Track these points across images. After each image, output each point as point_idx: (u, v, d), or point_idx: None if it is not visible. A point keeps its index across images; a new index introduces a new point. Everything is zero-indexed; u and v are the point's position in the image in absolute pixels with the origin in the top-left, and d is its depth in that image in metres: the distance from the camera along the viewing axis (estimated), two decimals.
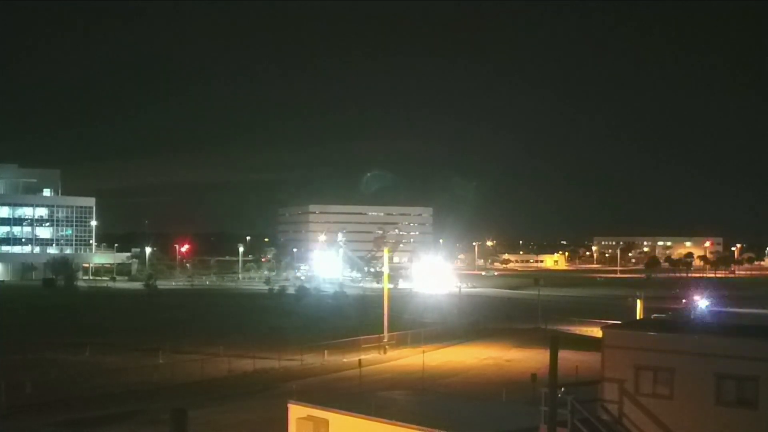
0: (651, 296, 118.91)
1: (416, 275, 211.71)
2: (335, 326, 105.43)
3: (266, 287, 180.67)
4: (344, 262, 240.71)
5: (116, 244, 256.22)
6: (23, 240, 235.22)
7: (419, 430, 31.89)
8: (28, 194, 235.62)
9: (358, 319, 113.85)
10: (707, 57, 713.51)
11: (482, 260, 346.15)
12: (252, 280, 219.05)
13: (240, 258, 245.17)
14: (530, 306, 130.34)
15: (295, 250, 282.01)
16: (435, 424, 32.11)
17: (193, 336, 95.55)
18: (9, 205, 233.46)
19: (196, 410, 47.38)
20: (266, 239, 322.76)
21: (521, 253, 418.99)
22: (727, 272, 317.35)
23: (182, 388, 64.43)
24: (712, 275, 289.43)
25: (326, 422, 34.76)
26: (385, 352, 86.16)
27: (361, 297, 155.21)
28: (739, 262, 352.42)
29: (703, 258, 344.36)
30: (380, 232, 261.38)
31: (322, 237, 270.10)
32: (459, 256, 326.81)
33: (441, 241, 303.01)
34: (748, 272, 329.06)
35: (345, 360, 78.71)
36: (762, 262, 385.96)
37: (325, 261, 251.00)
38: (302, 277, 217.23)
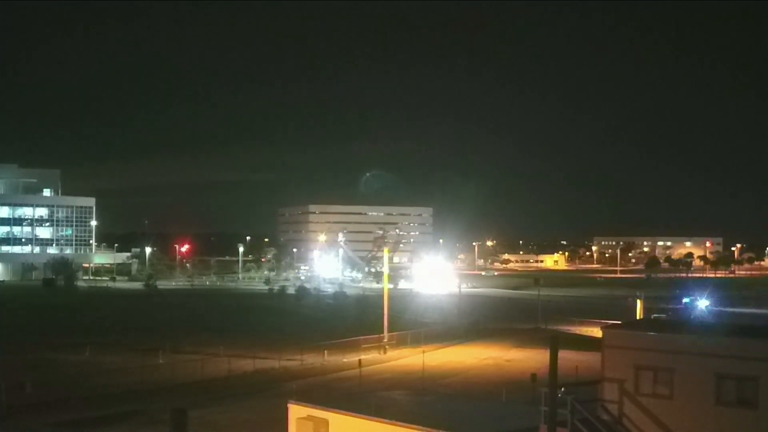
0: (651, 296, 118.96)
1: (416, 275, 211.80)
2: (335, 326, 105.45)
3: (266, 287, 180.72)
4: (344, 262, 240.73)
5: (116, 244, 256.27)
6: (23, 240, 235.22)
7: (419, 430, 31.90)
8: (28, 194, 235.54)
9: (358, 319, 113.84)
10: (707, 57, 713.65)
11: (482, 260, 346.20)
12: (252, 280, 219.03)
13: (240, 258, 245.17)
14: (530, 306, 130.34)
15: (295, 250, 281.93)
16: (435, 424, 32.12)
17: (193, 336, 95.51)
18: (9, 205, 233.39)
19: (196, 410, 47.40)
20: (266, 239, 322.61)
21: (521, 253, 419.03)
22: (727, 272, 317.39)
23: (182, 388, 64.41)
24: (712, 275, 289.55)
25: (326, 422, 34.76)
26: (385, 352, 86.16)
27: (361, 297, 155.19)
28: (739, 262, 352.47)
29: (703, 258, 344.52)
30: (380, 232, 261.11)
31: (322, 237, 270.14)
32: (459, 256, 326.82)
33: (441, 241, 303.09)
34: (748, 272, 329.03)
35: (345, 360, 78.71)
36: (762, 262, 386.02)
37: (325, 261, 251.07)
38: (302, 277, 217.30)
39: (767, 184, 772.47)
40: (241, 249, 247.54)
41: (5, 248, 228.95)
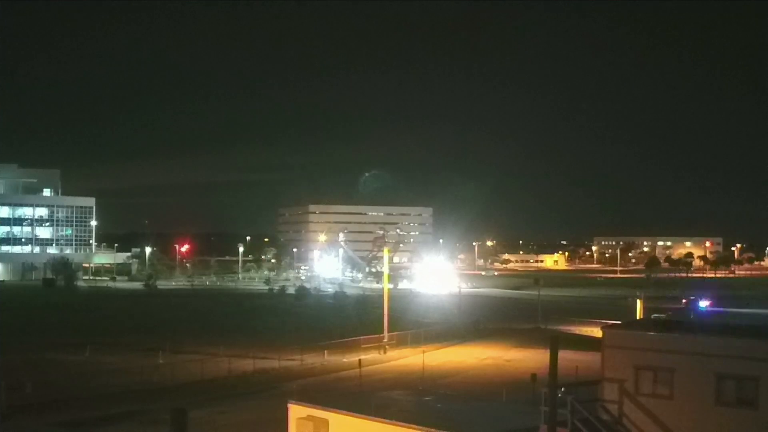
0: (651, 296, 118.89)
1: (417, 275, 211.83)
2: (335, 326, 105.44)
3: (266, 287, 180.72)
4: (345, 262, 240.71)
5: (116, 244, 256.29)
6: (23, 240, 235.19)
7: (419, 430, 31.89)
8: (28, 194, 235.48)
9: (358, 319, 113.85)
10: (707, 57, 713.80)
11: (482, 260, 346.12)
12: (252, 280, 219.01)
13: (240, 258, 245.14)
14: (530, 306, 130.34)
15: (295, 250, 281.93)
16: (435, 424, 32.11)
17: (193, 336, 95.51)
18: (9, 205, 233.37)
19: (196, 410, 47.41)
20: (266, 239, 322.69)
21: (521, 253, 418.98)
22: (727, 272, 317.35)
23: (182, 388, 64.40)
24: (712, 275, 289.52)
25: (326, 422, 34.75)
26: (385, 352, 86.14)
27: (361, 297, 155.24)
28: (739, 262, 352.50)
29: (703, 258, 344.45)
30: (381, 232, 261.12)
31: (322, 237, 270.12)
32: (459, 256, 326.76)
33: (441, 241, 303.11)
34: (748, 272, 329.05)
35: (345, 360, 78.69)
36: (762, 262, 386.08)
37: (325, 261, 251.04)
38: (302, 278, 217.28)
39: (767, 184, 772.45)
40: (241, 249, 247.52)
41: (5, 248, 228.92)
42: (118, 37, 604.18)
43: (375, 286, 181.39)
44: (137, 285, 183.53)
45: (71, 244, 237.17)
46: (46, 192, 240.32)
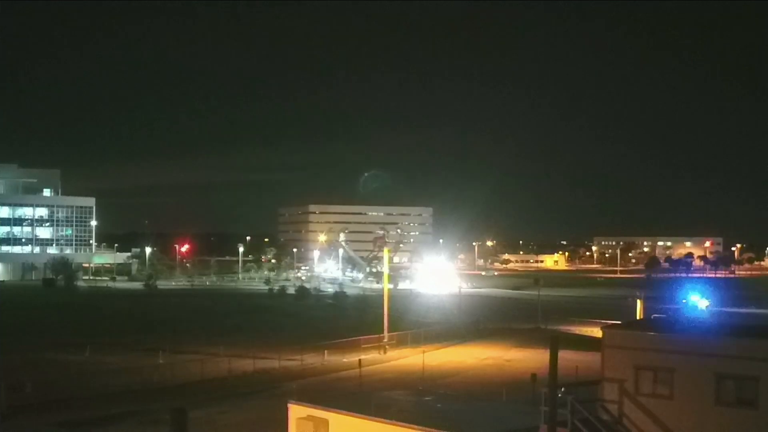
0: (651, 296, 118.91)
1: (417, 275, 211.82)
2: (335, 326, 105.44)
3: (266, 287, 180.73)
4: (345, 262, 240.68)
5: (116, 244, 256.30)
6: (23, 240, 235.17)
7: (419, 430, 31.88)
8: (28, 194, 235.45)
9: (358, 319, 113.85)
10: (707, 57, 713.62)
11: (482, 260, 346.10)
12: (252, 280, 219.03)
13: (240, 258, 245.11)
14: (530, 306, 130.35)
15: (295, 250, 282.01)
16: (435, 424, 32.10)
17: (193, 336, 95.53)
18: (9, 205, 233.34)
19: (196, 410, 47.40)
20: (266, 239, 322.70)
21: (521, 253, 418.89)
22: (727, 272, 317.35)
23: (182, 388, 64.41)
24: (712, 275, 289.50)
25: (326, 422, 34.74)
26: (385, 352, 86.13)
27: (361, 297, 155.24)
28: (739, 262, 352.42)
29: (703, 258, 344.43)
30: (381, 232, 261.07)
31: (322, 237, 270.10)
32: (459, 256, 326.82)
33: (441, 241, 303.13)
34: (748, 272, 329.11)
35: (345, 360, 78.70)
36: (762, 262, 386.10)
37: (325, 261, 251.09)
38: (302, 278, 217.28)
39: (767, 184, 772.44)
40: (241, 249, 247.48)
41: (5, 248, 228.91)
42: (118, 37, 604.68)
43: (375, 286, 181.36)
44: (137, 285, 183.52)
45: (71, 244, 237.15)
46: (46, 192, 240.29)
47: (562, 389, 28.60)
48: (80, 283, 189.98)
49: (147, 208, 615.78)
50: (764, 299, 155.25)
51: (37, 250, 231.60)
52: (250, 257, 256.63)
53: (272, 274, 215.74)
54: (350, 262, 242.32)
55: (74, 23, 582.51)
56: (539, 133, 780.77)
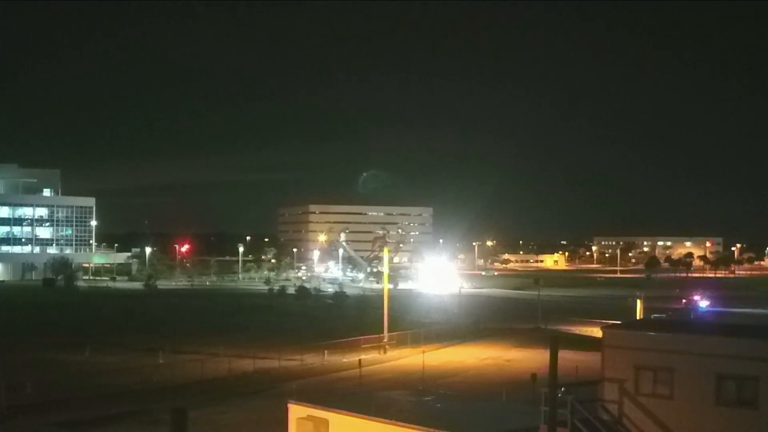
0: (651, 296, 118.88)
1: (417, 275, 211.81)
2: (335, 326, 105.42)
3: (266, 287, 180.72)
4: (345, 262, 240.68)
5: (116, 244, 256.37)
6: (23, 240, 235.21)
7: (419, 430, 31.87)
8: (28, 194, 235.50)
9: (358, 319, 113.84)
10: (707, 58, 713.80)
11: (482, 260, 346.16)
12: (252, 280, 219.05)
13: (240, 258, 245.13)
14: (530, 306, 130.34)
15: (295, 250, 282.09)
16: (435, 424, 32.09)
17: (193, 336, 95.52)
18: (9, 205, 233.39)
19: (196, 410, 47.37)
20: (266, 239, 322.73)
21: (521, 253, 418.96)
22: (727, 272, 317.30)
23: (182, 388, 64.39)
24: (712, 275, 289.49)
25: (326, 422, 34.73)
26: (385, 352, 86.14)
27: (361, 297, 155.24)
28: (739, 262, 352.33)
29: (703, 258, 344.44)
30: (381, 232, 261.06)
31: (322, 237, 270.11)
32: (459, 256, 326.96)
33: (441, 241, 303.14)
34: (748, 272, 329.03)
35: (345, 360, 78.70)
36: (762, 262, 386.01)
37: (325, 261, 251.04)
38: (302, 277, 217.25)
39: (767, 184, 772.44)
40: (241, 249, 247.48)
41: (5, 248, 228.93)
42: (118, 36, 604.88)
43: (375, 286, 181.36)
44: (137, 285, 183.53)
45: (71, 244, 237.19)
46: (46, 192, 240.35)
47: (562, 389, 28.59)
48: (80, 283, 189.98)
49: (147, 208, 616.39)
50: (764, 299, 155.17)
51: (37, 250, 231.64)
52: (250, 257, 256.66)
53: (272, 274, 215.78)
54: (351, 262, 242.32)
55: (74, 23, 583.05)
56: (539, 133, 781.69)
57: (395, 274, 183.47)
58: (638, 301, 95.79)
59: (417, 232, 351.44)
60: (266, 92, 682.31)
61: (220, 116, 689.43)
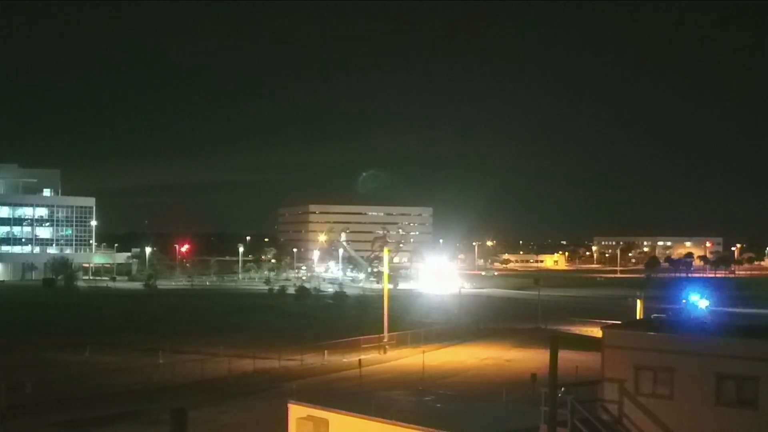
0: (651, 296, 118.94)
1: (417, 275, 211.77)
2: (335, 326, 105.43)
3: (266, 287, 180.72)
4: (345, 262, 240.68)
5: (116, 244, 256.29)
6: (23, 240, 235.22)
7: (419, 430, 31.86)
8: (28, 194, 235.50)
9: (358, 319, 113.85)
10: (707, 58, 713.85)
11: (482, 260, 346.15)
12: (252, 280, 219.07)
13: (240, 258, 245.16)
14: (530, 306, 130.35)
15: (295, 250, 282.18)
16: (435, 424, 32.08)
17: (193, 336, 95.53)
18: (9, 205, 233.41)
19: (196, 410, 47.42)
20: (266, 239, 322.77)
21: (521, 253, 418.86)
22: (727, 272, 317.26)
23: (182, 388, 64.39)
24: (712, 275, 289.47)
25: (326, 422, 34.72)
26: (385, 352, 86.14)
27: (362, 297, 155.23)
28: (739, 262, 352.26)
29: (703, 258, 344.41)
30: (382, 231, 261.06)
31: (322, 237, 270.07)
32: (459, 256, 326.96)
33: (441, 241, 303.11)
34: (748, 272, 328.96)
35: (345, 360, 78.70)
36: (762, 262, 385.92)
37: (325, 261, 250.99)
38: (302, 277, 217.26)
39: (767, 184, 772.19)
40: (241, 249, 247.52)
41: (5, 248, 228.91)
42: (118, 37, 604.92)
43: (376, 286, 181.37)
44: (137, 285, 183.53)
45: (71, 244, 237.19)
46: (46, 192, 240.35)
47: (562, 389, 28.59)
48: (80, 283, 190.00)
49: (147, 208, 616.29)
50: (764, 299, 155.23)
51: (37, 250, 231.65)
52: (250, 257, 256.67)
53: (272, 274, 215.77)
54: (351, 262, 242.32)
55: (74, 23, 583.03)
56: (539, 133, 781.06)
57: (395, 274, 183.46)
58: (638, 301, 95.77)
59: (417, 232, 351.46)
60: (266, 92, 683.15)
61: (220, 116, 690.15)
